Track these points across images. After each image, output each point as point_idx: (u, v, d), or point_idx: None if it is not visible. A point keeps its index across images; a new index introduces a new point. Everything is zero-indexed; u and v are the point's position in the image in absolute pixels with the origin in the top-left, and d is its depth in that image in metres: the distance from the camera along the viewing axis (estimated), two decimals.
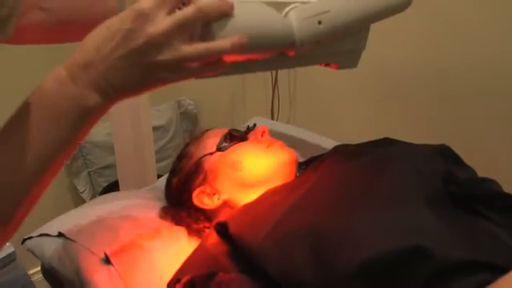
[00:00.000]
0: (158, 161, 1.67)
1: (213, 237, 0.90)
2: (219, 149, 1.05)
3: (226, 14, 0.63)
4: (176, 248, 1.01)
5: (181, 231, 1.06)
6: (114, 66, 0.59)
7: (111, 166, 2.10)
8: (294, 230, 0.81)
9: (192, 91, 2.40)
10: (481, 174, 0.94)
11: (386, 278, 0.72)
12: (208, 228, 1.03)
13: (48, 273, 1.10)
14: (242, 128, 1.15)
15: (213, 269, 0.84)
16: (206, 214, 1.04)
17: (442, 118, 1.61)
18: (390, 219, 0.78)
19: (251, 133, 1.10)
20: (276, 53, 0.75)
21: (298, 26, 0.71)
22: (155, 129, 2.08)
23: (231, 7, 0.64)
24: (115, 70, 0.60)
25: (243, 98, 2.20)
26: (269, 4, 0.71)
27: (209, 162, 1.05)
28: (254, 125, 1.14)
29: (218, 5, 0.62)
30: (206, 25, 0.63)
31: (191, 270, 0.86)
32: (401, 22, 1.59)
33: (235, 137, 1.08)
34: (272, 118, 2.03)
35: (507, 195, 0.85)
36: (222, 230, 0.89)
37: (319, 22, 0.73)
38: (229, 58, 0.67)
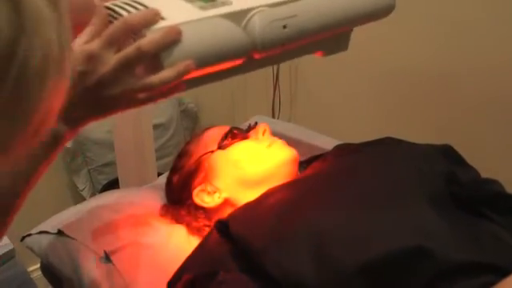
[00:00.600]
0: (158, 159, 1.66)
1: (213, 235, 0.90)
2: (220, 147, 1.05)
3: (173, 43, 0.66)
4: (176, 246, 1.01)
5: (181, 229, 1.05)
6: (73, 103, 0.61)
7: (111, 164, 2.09)
8: (295, 230, 0.80)
9: (193, 89, 2.39)
10: (483, 174, 0.94)
11: (387, 279, 0.71)
12: (208, 226, 1.02)
13: (47, 270, 1.10)
14: (243, 126, 1.14)
15: (213, 268, 0.83)
16: (206, 213, 1.04)
17: (444, 117, 1.61)
18: (391, 219, 0.78)
19: (252, 131, 1.10)
20: (240, 59, 0.75)
21: (260, 30, 0.73)
22: (155, 127, 2.07)
23: (178, 34, 0.67)
24: (73, 106, 0.63)
25: (244, 96, 2.20)
26: (227, 16, 0.72)
27: (209, 160, 1.05)
28: (256, 123, 1.13)
29: (160, 38, 0.65)
30: (154, 56, 0.66)
31: (192, 269, 0.85)
32: (402, 21, 1.59)
33: (236, 135, 1.07)
34: (273, 117, 2.03)
35: (510, 196, 0.84)
36: (223, 228, 0.88)
37: (284, 26, 0.74)
38: (188, 76, 0.70)
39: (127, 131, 1.46)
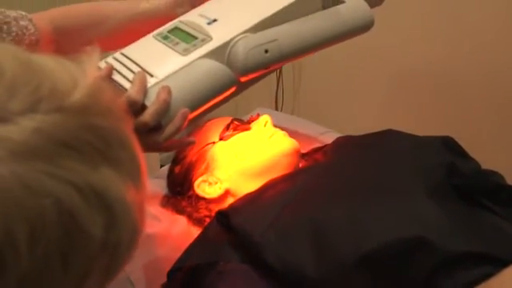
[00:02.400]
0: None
1: (214, 226, 0.90)
2: (222, 138, 1.05)
3: (168, 104, 0.73)
4: (177, 237, 1.01)
5: (182, 220, 1.05)
6: None
7: None
8: (296, 221, 0.80)
9: None
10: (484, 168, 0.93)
11: (387, 269, 0.71)
12: (209, 217, 1.02)
13: None
14: (246, 118, 1.14)
15: (213, 258, 0.83)
16: (207, 203, 1.04)
17: (446, 112, 1.60)
18: (391, 211, 0.77)
19: (254, 122, 1.09)
20: (230, 89, 0.80)
21: (243, 56, 0.77)
22: None
23: (169, 93, 0.73)
24: None
25: (247, 89, 2.20)
26: (209, 55, 0.78)
27: (211, 151, 1.05)
28: (257, 115, 1.13)
29: (160, 108, 0.72)
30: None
31: (192, 259, 0.85)
32: (407, 17, 1.58)
33: (238, 126, 1.07)
34: (276, 109, 2.03)
35: (511, 187, 0.84)
36: (223, 219, 0.88)
37: (266, 51, 0.78)
38: (190, 117, 0.76)
39: None
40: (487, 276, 0.67)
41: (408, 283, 0.70)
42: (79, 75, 0.39)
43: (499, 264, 0.67)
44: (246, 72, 0.78)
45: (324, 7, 0.86)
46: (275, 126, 1.10)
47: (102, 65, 0.78)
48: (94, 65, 0.43)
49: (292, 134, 1.10)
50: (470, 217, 0.78)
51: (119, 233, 0.38)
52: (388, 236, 0.72)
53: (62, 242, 0.35)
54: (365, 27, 0.87)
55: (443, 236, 0.72)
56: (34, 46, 0.83)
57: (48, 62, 0.39)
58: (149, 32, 0.88)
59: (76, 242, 0.36)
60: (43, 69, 0.38)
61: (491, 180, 0.86)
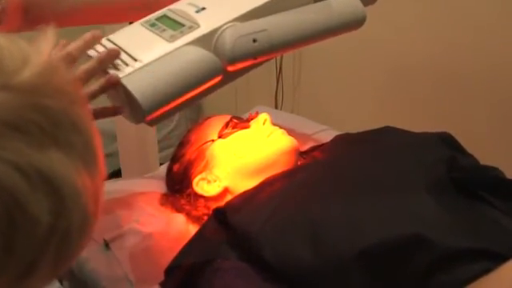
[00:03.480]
0: (161, 150, 1.66)
1: (211, 223, 0.90)
2: (221, 136, 1.05)
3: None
4: (175, 235, 1.01)
5: (180, 218, 1.05)
6: None
7: (113, 154, 2.10)
8: (293, 218, 0.80)
9: None
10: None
11: (385, 265, 0.71)
12: (207, 215, 1.02)
13: None
14: (245, 117, 1.14)
15: (211, 255, 0.83)
16: (205, 201, 1.04)
17: (445, 109, 1.60)
18: (389, 207, 0.77)
19: (253, 120, 1.09)
20: (217, 78, 0.79)
21: (230, 44, 0.76)
22: None
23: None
24: None
25: (247, 87, 2.19)
26: (195, 42, 0.77)
27: (210, 149, 1.04)
28: (256, 113, 1.13)
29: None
30: (133, 100, 0.73)
31: (189, 257, 0.85)
32: (406, 14, 1.57)
33: (237, 124, 1.07)
34: (276, 108, 2.02)
35: (511, 181, 0.84)
36: (221, 216, 0.88)
37: (254, 40, 0.77)
38: (172, 105, 0.75)
39: (129, 121, 1.46)
40: (486, 271, 0.66)
41: (406, 279, 0.70)
42: (31, 53, 0.38)
43: (499, 259, 0.67)
44: (232, 60, 0.77)
45: (315, 0, 0.85)
46: (274, 124, 1.10)
47: (92, 53, 0.77)
48: (49, 44, 0.41)
49: (291, 132, 1.10)
50: (470, 212, 0.78)
51: (68, 219, 0.37)
52: (386, 232, 0.72)
53: (3, 222, 0.34)
54: (356, 23, 0.86)
55: (442, 232, 0.72)
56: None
57: None
58: (121, 13, 0.89)
59: (19, 224, 0.35)
60: None
61: (491, 174, 0.85)
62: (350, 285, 0.72)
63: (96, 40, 0.77)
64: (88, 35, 0.75)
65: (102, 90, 0.74)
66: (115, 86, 0.74)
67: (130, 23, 0.89)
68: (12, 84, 0.35)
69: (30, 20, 0.84)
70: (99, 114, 0.78)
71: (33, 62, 0.37)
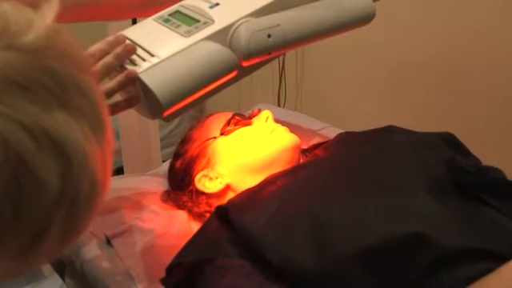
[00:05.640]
0: (163, 147, 1.66)
1: (213, 221, 0.90)
2: (223, 133, 1.05)
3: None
4: (177, 232, 1.01)
5: (182, 215, 1.05)
6: None
7: (116, 152, 2.10)
8: (295, 216, 0.80)
9: None
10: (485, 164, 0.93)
11: (386, 265, 0.71)
12: (209, 212, 1.02)
13: None
14: (247, 114, 1.14)
15: (213, 253, 0.83)
16: (207, 198, 1.04)
17: (448, 108, 1.60)
18: (391, 206, 0.77)
19: (255, 118, 1.09)
20: (232, 73, 0.79)
21: (246, 40, 0.76)
22: None
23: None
24: None
25: (250, 85, 2.19)
26: (211, 37, 0.77)
27: (212, 146, 1.04)
28: (259, 110, 1.13)
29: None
30: (151, 95, 0.73)
31: (191, 254, 0.85)
32: (409, 13, 1.57)
33: (239, 121, 1.07)
34: (278, 105, 2.02)
35: (511, 182, 0.83)
36: (223, 214, 0.88)
37: (269, 36, 0.78)
38: (187, 101, 0.75)
39: (132, 119, 1.46)
40: (486, 272, 0.66)
41: (406, 279, 0.70)
42: (36, 18, 0.38)
43: (499, 260, 0.67)
44: (248, 56, 0.78)
45: None
46: (276, 121, 1.10)
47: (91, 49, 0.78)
48: (53, 11, 0.41)
49: (293, 129, 1.10)
50: (470, 212, 0.78)
51: (77, 184, 0.36)
52: (386, 231, 0.72)
53: (11, 185, 0.33)
54: (366, 18, 0.87)
55: (442, 232, 0.71)
56: None
57: (3, 4, 0.38)
58: (126, 10, 0.90)
59: (27, 187, 0.34)
60: None
61: (492, 175, 0.85)
62: (351, 284, 0.72)
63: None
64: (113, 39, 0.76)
65: (121, 85, 0.73)
66: (133, 81, 0.73)
67: (133, 20, 0.89)
68: (18, 44, 0.35)
69: None
70: (113, 108, 0.77)
71: (37, 25, 0.37)
